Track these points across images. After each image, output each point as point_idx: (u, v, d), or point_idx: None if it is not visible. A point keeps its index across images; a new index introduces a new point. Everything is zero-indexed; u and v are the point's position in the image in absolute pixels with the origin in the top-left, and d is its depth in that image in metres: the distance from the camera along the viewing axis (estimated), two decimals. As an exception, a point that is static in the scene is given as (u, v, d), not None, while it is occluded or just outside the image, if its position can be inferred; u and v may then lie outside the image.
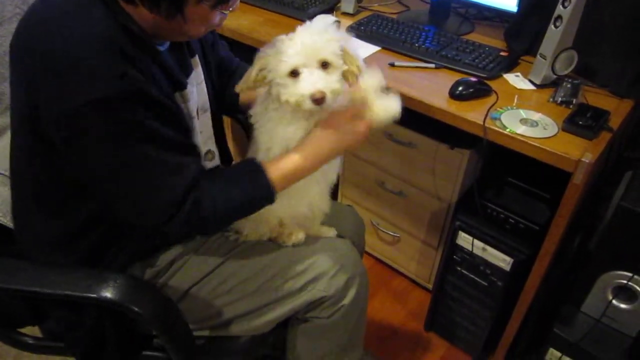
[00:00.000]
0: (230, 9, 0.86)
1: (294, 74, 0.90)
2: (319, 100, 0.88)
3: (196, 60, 1.03)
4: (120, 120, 0.78)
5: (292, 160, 0.95)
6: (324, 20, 0.97)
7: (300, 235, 1.09)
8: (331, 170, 1.09)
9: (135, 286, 0.90)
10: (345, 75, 0.94)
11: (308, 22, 0.95)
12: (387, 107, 1.01)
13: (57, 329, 1.08)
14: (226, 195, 0.90)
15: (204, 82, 1.06)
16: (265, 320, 1.05)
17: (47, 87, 0.76)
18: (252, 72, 0.94)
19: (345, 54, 0.93)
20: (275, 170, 0.94)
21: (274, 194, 0.94)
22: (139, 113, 0.79)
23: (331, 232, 1.16)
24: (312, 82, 0.88)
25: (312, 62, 0.89)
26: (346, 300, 1.06)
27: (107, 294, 0.87)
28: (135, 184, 0.84)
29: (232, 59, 1.21)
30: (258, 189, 0.93)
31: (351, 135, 0.99)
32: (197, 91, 1.03)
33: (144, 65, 0.81)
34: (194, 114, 0.98)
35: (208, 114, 1.10)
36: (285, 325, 1.13)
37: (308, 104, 0.89)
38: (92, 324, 1.00)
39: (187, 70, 0.99)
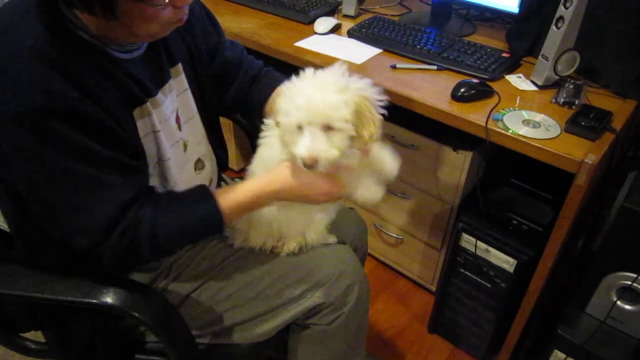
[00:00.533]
0: (166, 0, 0.78)
1: (299, 126, 0.86)
2: (309, 165, 0.85)
3: (177, 69, 1.01)
4: (42, 137, 0.75)
5: (245, 194, 0.92)
6: (342, 70, 0.88)
7: (292, 246, 1.07)
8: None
9: (136, 291, 0.90)
10: (354, 138, 0.87)
11: (330, 71, 0.87)
12: (370, 191, 0.98)
13: (49, 334, 1.06)
14: (169, 223, 0.86)
15: (188, 90, 1.04)
16: (266, 328, 1.05)
17: None
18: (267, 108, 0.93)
19: (362, 117, 0.86)
20: (227, 201, 0.90)
21: (222, 225, 0.91)
22: (63, 130, 0.75)
23: (331, 239, 1.15)
24: (308, 145, 0.84)
25: (316, 123, 0.84)
26: (346, 307, 1.05)
27: (108, 299, 0.87)
28: (57, 202, 0.80)
29: (240, 62, 1.17)
30: (205, 219, 0.89)
31: (313, 191, 0.94)
32: (179, 100, 1.01)
33: (87, 79, 0.78)
34: (159, 127, 0.93)
35: (196, 121, 1.07)
36: (286, 329, 1.12)
37: (299, 163, 0.86)
38: (82, 329, 0.99)
39: (162, 79, 0.96)
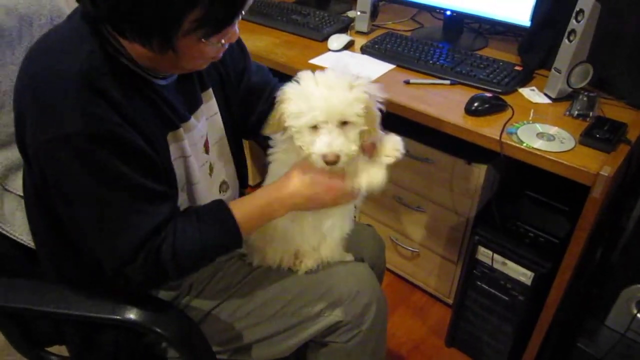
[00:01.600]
0: (223, 40, 0.84)
1: (314, 126, 0.88)
2: (331, 162, 0.87)
3: (209, 94, 1.04)
4: (80, 159, 0.77)
5: (257, 203, 0.94)
6: (346, 69, 0.91)
7: (309, 263, 1.08)
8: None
9: (160, 308, 0.92)
10: (362, 134, 0.91)
11: (329, 71, 0.90)
12: (372, 177, 0.97)
13: (73, 348, 1.08)
14: (189, 242, 0.87)
15: (218, 114, 1.07)
16: (285, 345, 1.06)
17: (28, 120, 0.79)
18: (275, 117, 0.92)
19: (369, 110, 0.89)
20: (242, 213, 0.92)
21: (240, 238, 0.92)
22: (102, 154, 0.78)
23: (348, 257, 1.16)
24: (329, 142, 0.86)
25: (333, 120, 0.87)
26: (364, 326, 1.06)
27: (132, 315, 0.89)
28: (88, 223, 0.83)
29: (265, 85, 1.17)
30: (225, 236, 0.91)
31: (317, 188, 0.94)
32: (208, 124, 1.03)
33: (128, 104, 0.80)
34: (190, 152, 0.96)
35: (223, 143, 1.10)
36: (305, 346, 1.13)
37: (320, 163, 0.87)
38: (107, 345, 1.00)
39: (194, 104, 0.99)
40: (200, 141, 1.01)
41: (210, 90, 1.04)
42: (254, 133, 1.19)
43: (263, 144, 1.37)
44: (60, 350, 1.11)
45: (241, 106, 1.14)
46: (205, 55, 0.85)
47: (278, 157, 1.02)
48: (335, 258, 1.12)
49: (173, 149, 0.92)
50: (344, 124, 0.88)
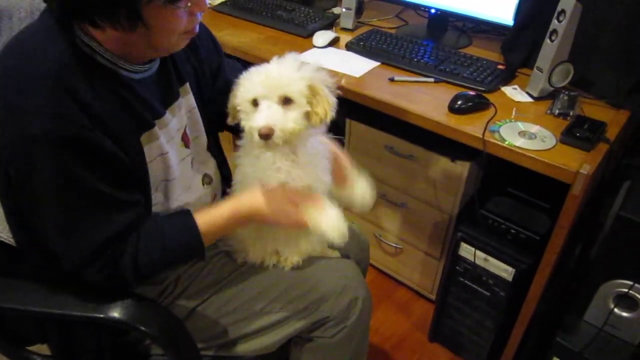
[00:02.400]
0: (189, 3, 0.81)
1: (255, 103, 0.90)
2: (264, 135, 0.87)
3: (186, 88, 1.03)
4: (44, 161, 0.77)
5: (221, 214, 0.95)
6: (296, 57, 0.94)
7: (295, 259, 1.09)
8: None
9: (143, 306, 0.92)
10: (310, 116, 0.91)
11: (277, 58, 0.93)
12: (331, 223, 0.94)
13: (55, 347, 1.08)
14: (150, 251, 0.88)
15: (196, 109, 1.06)
16: (270, 340, 1.06)
17: None
18: (230, 101, 0.94)
19: (316, 95, 0.91)
20: (206, 224, 0.93)
21: (202, 248, 0.94)
22: (67, 157, 0.77)
23: (334, 254, 1.17)
24: (265, 116, 0.87)
25: (273, 96, 0.88)
26: (349, 321, 1.07)
27: (116, 314, 0.88)
28: (49, 223, 0.83)
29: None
30: (187, 246, 0.93)
31: (281, 218, 0.96)
32: (186, 119, 1.03)
33: (99, 106, 0.79)
34: (167, 149, 0.95)
35: (202, 139, 1.10)
36: (289, 342, 1.13)
37: (256, 137, 0.88)
38: (89, 343, 1.00)
39: (171, 98, 0.98)
40: (177, 135, 1.00)
41: (187, 85, 1.04)
42: (231, 129, 1.19)
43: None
44: (42, 349, 1.10)
45: (216, 103, 1.13)
46: (177, 25, 0.82)
47: (243, 162, 1.03)
48: (317, 250, 1.13)
49: (149, 150, 0.91)
50: (286, 102, 0.89)
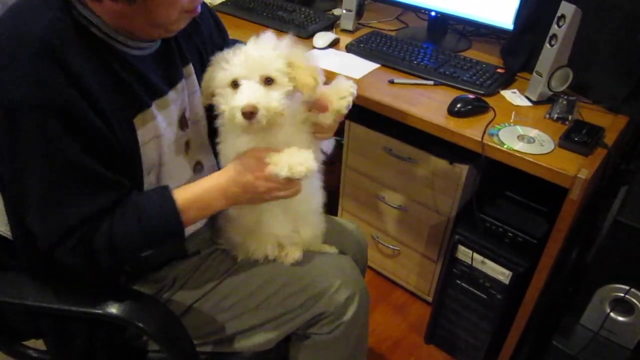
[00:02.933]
0: None
1: (235, 85, 0.87)
2: (248, 114, 0.84)
3: (189, 69, 1.01)
4: (24, 129, 0.74)
5: (198, 192, 0.90)
6: (274, 36, 0.92)
7: (296, 255, 1.09)
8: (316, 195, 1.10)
9: (140, 302, 0.92)
10: (300, 88, 0.90)
11: (256, 37, 0.92)
12: (295, 160, 0.89)
13: (50, 342, 1.06)
14: (126, 229, 0.83)
15: (198, 92, 1.03)
16: (268, 337, 1.06)
17: None
18: (204, 82, 0.91)
19: (296, 68, 0.89)
20: (183, 198, 0.88)
21: (182, 228, 0.89)
22: (49, 127, 0.74)
23: (332, 250, 1.17)
24: (247, 95, 0.84)
25: (254, 76, 0.86)
26: (346, 317, 1.07)
27: (113, 310, 0.88)
28: (25, 197, 0.79)
29: None
30: (165, 223, 0.87)
31: (257, 182, 0.90)
32: (187, 101, 1.01)
33: (89, 79, 0.77)
34: (162, 131, 0.92)
35: (202, 124, 1.07)
36: (287, 339, 1.14)
37: (239, 118, 0.85)
38: (85, 338, 0.99)
39: (175, 78, 0.96)
40: (175, 117, 0.97)
41: (191, 65, 1.02)
42: None
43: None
44: (37, 344, 1.10)
45: None
46: (177, 3, 0.80)
47: (220, 147, 1.01)
48: (319, 239, 1.14)
49: (143, 132, 0.88)
50: (268, 82, 0.87)
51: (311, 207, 1.11)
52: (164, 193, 0.88)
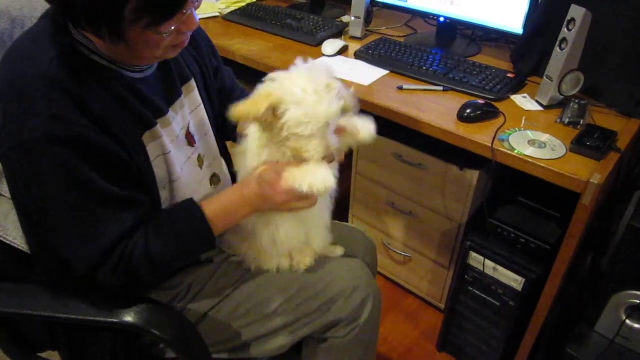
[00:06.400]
0: (173, 27, 0.79)
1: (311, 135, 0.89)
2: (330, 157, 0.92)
3: (190, 85, 1.04)
4: (46, 164, 0.77)
5: (229, 197, 0.96)
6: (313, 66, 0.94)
7: (308, 261, 1.10)
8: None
9: (157, 311, 0.92)
10: (346, 109, 0.95)
11: (303, 73, 0.91)
12: (315, 178, 0.91)
13: (65, 354, 1.08)
14: (162, 244, 0.88)
15: (201, 106, 1.06)
16: (283, 342, 1.06)
17: None
18: (262, 106, 0.85)
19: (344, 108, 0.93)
20: (212, 210, 0.93)
21: (214, 238, 0.94)
22: (67, 158, 0.77)
23: (338, 250, 1.17)
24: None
25: (324, 127, 0.89)
26: (362, 320, 1.07)
27: (130, 318, 0.89)
28: (56, 228, 0.83)
29: (233, 89, 1.20)
30: (197, 234, 0.92)
31: (275, 195, 0.93)
32: (190, 117, 1.03)
33: (98, 105, 0.80)
34: (170, 148, 0.94)
35: (210, 137, 1.10)
36: (302, 341, 1.14)
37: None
38: (101, 349, 1.00)
39: (173, 96, 0.98)
40: (181, 133, 1.00)
41: (193, 81, 1.04)
42: (229, 135, 1.19)
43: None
44: (53, 355, 1.11)
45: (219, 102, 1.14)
46: (161, 44, 0.82)
47: (238, 157, 1.03)
48: (327, 245, 1.15)
49: (152, 149, 0.91)
50: None
51: (323, 218, 1.12)
52: (193, 206, 0.93)
